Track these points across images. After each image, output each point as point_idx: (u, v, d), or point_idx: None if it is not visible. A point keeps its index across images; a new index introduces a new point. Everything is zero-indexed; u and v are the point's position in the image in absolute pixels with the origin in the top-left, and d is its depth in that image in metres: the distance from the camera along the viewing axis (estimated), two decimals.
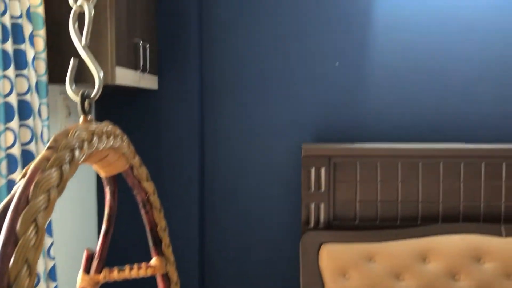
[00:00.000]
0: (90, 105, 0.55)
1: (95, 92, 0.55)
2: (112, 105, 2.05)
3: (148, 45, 1.82)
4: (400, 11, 2.05)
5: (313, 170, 1.96)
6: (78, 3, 0.55)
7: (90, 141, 0.52)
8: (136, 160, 0.69)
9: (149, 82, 1.90)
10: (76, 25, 0.55)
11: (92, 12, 0.55)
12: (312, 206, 1.98)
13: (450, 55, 2.06)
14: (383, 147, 1.96)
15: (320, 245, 1.87)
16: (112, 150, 0.61)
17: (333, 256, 1.83)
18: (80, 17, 0.55)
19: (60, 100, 1.72)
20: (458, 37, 2.05)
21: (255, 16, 2.09)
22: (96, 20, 1.50)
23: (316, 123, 2.10)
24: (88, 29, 0.54)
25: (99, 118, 2.04)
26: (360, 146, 1.97)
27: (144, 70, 1.79)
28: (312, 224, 1.98)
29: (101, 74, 0.56)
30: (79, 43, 0.55)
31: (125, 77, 1.62)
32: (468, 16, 2.04)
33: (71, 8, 0.55)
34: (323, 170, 1.96)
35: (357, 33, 2.07)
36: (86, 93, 0.55)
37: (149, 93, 2.04)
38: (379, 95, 2.08)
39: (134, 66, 1.70)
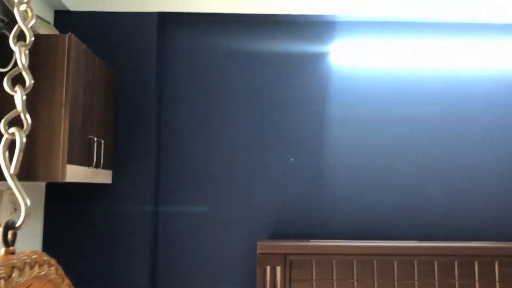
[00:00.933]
0: (14, 235, 0.53)
1: (20, 222, 0.53)
2: (64, 197, 1.99)
3: (103, 141, 1.82)
4: (354, 110, 2.15)
5: (268, 269, 1.92)
6: (10, 131, 0.55)
7: (8, 277, 0.50)
8: (65, 284, 0.65)
9: (102, 177, 1.87)
10: (7, 153, 0.54)
11: (24, 140, 0.55)
12: None
13: (404, 153, 2.14)
14: (338, 245, 1.96)
15: None
16: (37, 278, 0.58)
17: None
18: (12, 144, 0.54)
19: (6, 196, 1.66)
20: (411, 135, 2.15)
21: (214, 113, 2.14)
22: (50, 118, 1.50)
23: (273, 219, 2.09)
24: (18, 157, 0.54)
25: (51, 209, 1.98)
26: (315, 243, 1.96)
27: (97, 165, 1.77)
28: None
29: (28, 203, 0.54)
30: (7, 172, 0.54)
31: (77, 174, 1.59)
32: (420, 115, 2.16)
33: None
34: (278, 269, 1.93)
35: (312, 131, 2.14)
36: (10, 223, 0.53)
37: (103, 186, 2.01)
38: (334, 192, 2.12)
39: (86, 162, 1.69)
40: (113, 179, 2.01)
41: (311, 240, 2.00)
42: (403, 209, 2.12)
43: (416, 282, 1.95)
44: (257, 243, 1.92)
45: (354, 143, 2.14)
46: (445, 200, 2.13)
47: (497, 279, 1.96)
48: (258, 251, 1.91)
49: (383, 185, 2.13)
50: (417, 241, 2.03)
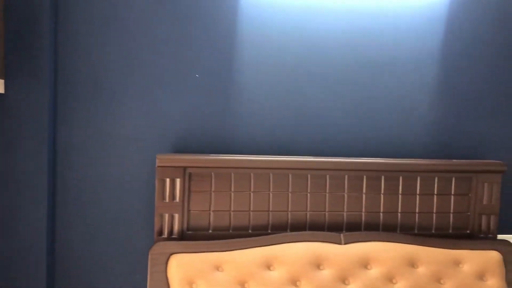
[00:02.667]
0: None
1: None
2: None
3: None
4: (264, 31, 2.14)
5: (168, 181, 1.98)
6: None
7: None
8: None
9: None
10: None
11: None
12: (166, 216, 1.99)
13: (311, 73, 2.19)
14: (237, 159, 2.03)
15: (169, 256, 1.88)
16: None
17: (181, 266, 1.86)
18: None
19: None
20: (318, 56, 2.19)
21: (115, 23, 2.06)
22: None
23: (176, 134, 2.12)
24: None
25: None
26: (215, 157, 2.02)
27: None
28: (166, 234, 1.99)
29: None
30: None
31: None
32: (329, 37, 2.19)
33: None
34: (178, 181, 1.99)
35: (221, 47, 2.12)
36: None
37: None
38: (241, 108, 2.15)
39: None
40: (6, 88, 1.93)
41: (211, 155, 2.06)
42: (308, 129, 2.21)
43: (308, 195, 2.08)
44: (156, 156, 1.96)
45: (262, 62, 2.15)
46: (347, 119, 2.23)
47: (400, 191, 2.13)
48: (157, 164, 1.95)
49: (288, 105, 2.19)
50: (311, 157, 2.14)
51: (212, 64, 2.13)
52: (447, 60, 2.28)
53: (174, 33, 2.09)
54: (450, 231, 2.20)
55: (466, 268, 2.04)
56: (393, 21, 2.24)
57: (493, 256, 2.07)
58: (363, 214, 2.14)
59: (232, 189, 2.04)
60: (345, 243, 2.02)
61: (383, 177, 2.14)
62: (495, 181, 2.20)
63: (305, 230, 2.09)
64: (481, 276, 2.04)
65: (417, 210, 2.17)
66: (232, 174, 2.03)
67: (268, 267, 1.92)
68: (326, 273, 1.94)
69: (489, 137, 2.34)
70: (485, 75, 2.32)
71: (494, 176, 2.20)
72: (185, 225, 2.01)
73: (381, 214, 2.15)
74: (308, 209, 2.10)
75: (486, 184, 2.20)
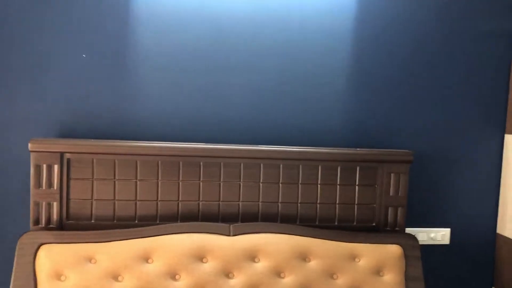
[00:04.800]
0: None
1: None
2: None
3: None
4: (162, 6, 2.02)
5: (44, 167, 1.87)
6: None
7: None
8: None
9: None
10: None
11: None
12: (43, 204, 1.88)
13: (216, 50, 2.07)
14: (119, 144, 1.91)
15: (39, 246, 1.78)
16: None
17: (49, 257, 1.75)
18: None
19: None
20: (225, 36, 2.07)
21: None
22: None
23: (62, 119, 2.00)
24: None
25: None
26: (94, 143, 1.91)
27: None
28: (43, 224, 1.88)
29: None
30: None
31: None
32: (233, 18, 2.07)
33: None
34: (55, 167, 1.87)
35: (110, 23, 2.00)
36: None
37: None
38: (134, 92, 2.04)
39: None
40: None
41: (92, 140, 1.94)
42: (209, 116, 2.09)
43: (201, 183, 1.97)
44: (30, 140, 1.84)
45: (160, 43, 2.03)
46: (251, 106, 2.12)
47: (300, 181, 2.03)
48: (30, 148, 1.83)
49: (187, 89, 2.07)
50: (203, 144, 2.02)
51: (102, 44, 2.01)
52: (358, 46, 2.16)
53: (58, 10, 1.97)
54: (355, 223, 2.09)
55: (363, 262, 1.93)
56: (300, 2, 2.11)
57: (393, 251, 1.96)
58: (259, 204, 2.02)
59: (116, 177, 1.93)
60: (234, 235, 1.91)
61: (281, 166, 2.02)
62: (402, 171, 2.08)
63: (197, 220, 1.98)
64: (378, 271, 1.93)
65: (318, 201, 2.06)
66: (116, 161, 1.92)
67: (146, 259, 1.81)
68: (209, 266, 1.83)
69: (400, 127, 2.22)
70: (397, 63, 2.20)
71: (401, 166, 2.08)
72: (64, 214, 1.90)
73: (279, 204, 2.03)
74: (201, 199, 1.99)
75: (392, 175, 2.08)
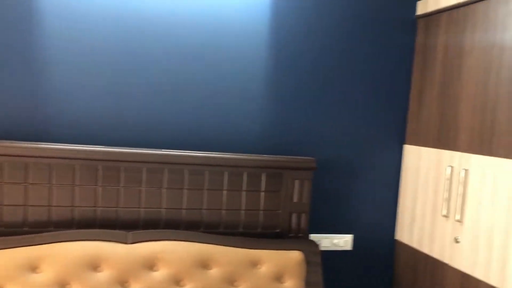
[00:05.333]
0: None
1: None
2: None
3: None
4: (74, 8, 1.91)
5: None
6: None
7: None
8: None
9: None
10: None
11: None
12: None
13: (133, 50, 1.98)
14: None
15: None
16: None
17: None
18: None
19: None
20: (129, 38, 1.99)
21: None
22: None
23: None
24: None
25: None
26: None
27: None
28: None
29: None
30: None
31: None
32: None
33: None
34: None
35: (17, 17, 1.86)
36: None
37: None
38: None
39: None
40: None
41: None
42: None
43: (99, 188, 1.88)
44: None
45: (75, 44, 1.92)
46: (165, 110, 2.06)
47: (206, 187, 2.00)
48: None
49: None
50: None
51: (7, 42, 1.87)
52: (270, 53, 2.18)
53: None
54: (259, 230, 2.09)
55: (264, 269, 1.93)
56: (215, 7, 2.09)
57: (293, 257, 1.98)
58: (163, 210, 1.97)
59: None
60: (132, 242, 1.83)
61: (186, 171, 1.98)
62: (306, 178, 2.12)
63: (95, 227, 1.89)
64: (279, 277, 1.94)
65: (223, 207, 2.04)
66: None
67: (33, 269, 1.69)
68: (104, 275, 1.74)
69: (306, 134, 2.26)
70: (303, 71, 2.23)
71: (304, 173, 2.11)
72: None
73: (184, 211, 1.99)
74: (99, 205, 1.89)
75: (297, 181, 2.11)
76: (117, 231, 1.84)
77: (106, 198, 1.90)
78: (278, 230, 2.11)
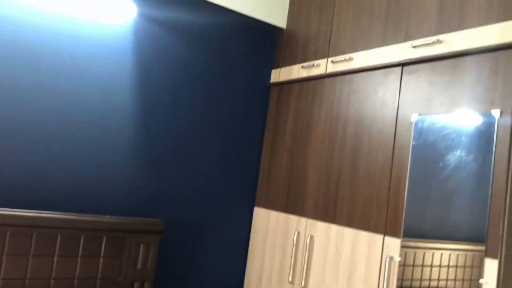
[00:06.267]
0: None
1: None
2: None
3: None
4: None
5: None
6: None
7: None
8: None
9: None
10: None
11: None
12: None
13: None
14: None
15: None
16: None
17: None
18: None
19: None
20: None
21: None
22: None
23: None
24: None
25: None
26: None
27: None
28: None
29: None
30: None
31: None
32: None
33: None
34: None
35: None
36: None
37: None
38: None
39: None
40: None
41: None
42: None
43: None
44: None
45: None
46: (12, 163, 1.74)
47: (32, 252, 1.70)
48: None
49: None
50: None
51: None
52: (133, 117, 2.03)
53: None
54: None
55: None
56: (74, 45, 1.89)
57: None
58: None
59: None
60: None
61: (8, 233, 1.68)
62: (152, 242, 1.96)
63: None
64: None
65: (53, 276, 1.76)
66: None
67: None
68: None
69: (157, 196, 2.13)
70: (159, 130, 2.14)
71: (150, 236, 1.96)
72: None
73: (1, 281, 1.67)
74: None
75: (142, 246, 1.94)
76: None
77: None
78: None
